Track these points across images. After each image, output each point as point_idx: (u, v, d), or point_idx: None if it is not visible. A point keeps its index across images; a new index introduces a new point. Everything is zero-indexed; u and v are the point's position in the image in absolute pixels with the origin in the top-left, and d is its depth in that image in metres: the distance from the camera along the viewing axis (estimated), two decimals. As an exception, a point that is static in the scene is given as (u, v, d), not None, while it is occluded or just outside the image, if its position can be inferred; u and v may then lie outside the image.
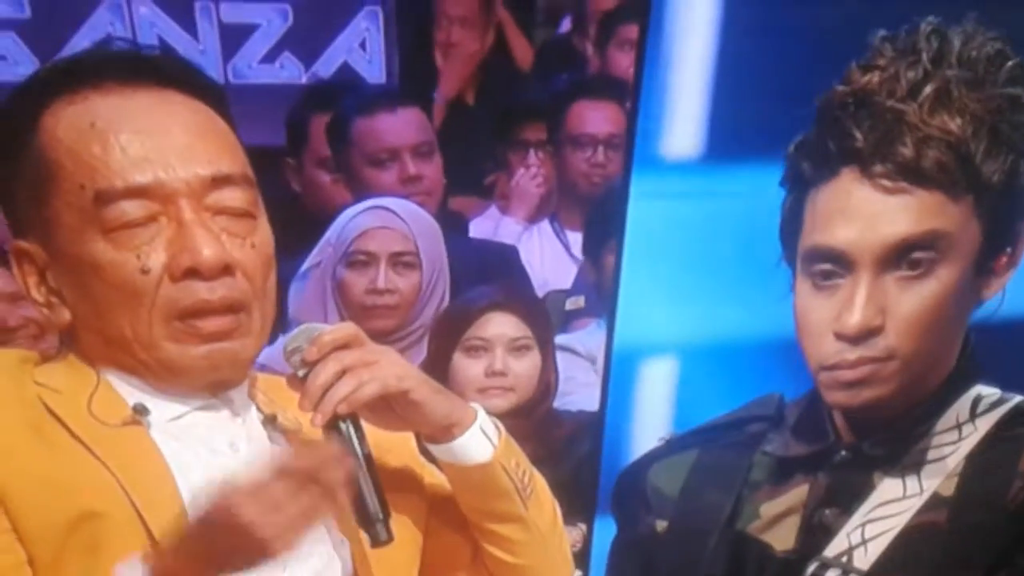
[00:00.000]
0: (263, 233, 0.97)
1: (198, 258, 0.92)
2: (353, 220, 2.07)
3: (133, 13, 3.13)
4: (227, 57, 3.23)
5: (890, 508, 0.83)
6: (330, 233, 2.12)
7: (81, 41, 3.12)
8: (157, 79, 0.98)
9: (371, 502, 0.91)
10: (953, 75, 0.81)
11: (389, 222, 2.06)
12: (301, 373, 0.94)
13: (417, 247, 2.04)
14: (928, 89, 0.81)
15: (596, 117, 2.53)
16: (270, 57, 3.24)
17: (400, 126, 2.30)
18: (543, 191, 2.68)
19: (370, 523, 0.91)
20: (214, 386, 0.94)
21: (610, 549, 0.88)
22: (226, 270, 0.93)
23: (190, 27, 3.20)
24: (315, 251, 2.13)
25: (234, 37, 3.25)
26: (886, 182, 0.82)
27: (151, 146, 0.95)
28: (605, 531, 0.88)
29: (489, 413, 1.00)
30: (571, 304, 2.25)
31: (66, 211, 0.95)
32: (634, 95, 0.84)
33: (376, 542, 0.91)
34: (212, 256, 0.92)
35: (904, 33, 0.83)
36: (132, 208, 0.94)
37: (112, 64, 0.98)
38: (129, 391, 0.95)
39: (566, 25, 3.35)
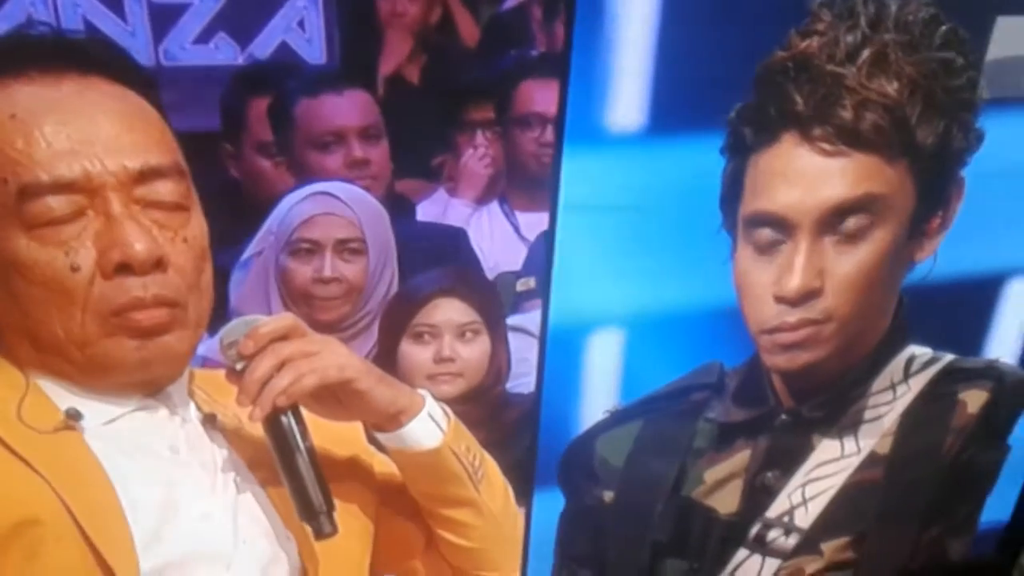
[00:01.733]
0: (196, 226, 0.97)
1: (129, 252, 0.92)
2: (296, 207, 2.09)
3: (56, -6, 3.09)
4: (158, 39, 3.21)
5: (829, 468, 0.89)
6: (271, 220, 2.13)
7: (0, 26, 3.09)
8: (81, 65, 0.96)
9: (314, 495, 0.94)
10: (890, 39, 0.86)
11: (333, 208, 2.08)
12: (239, 367, 0.96)
13: (363, 233, 2.07)
14: (866, 53, 0.86)
15: (544, 96, 2.58)
16: (204, 38, 3.22)
17: (346, 108, 2.31)
18: (491, 172, 2.72)
19: (313, 516, 0.95)
20: (149, 384, 0.96)
21: (559, 520, 0.93)
22: (158, 265, 0.93)
23: (117, 8, 3.17)
24: (256, 239, 2.15)
25: (164, 18, 3.22)
26: (825, 145, 0.86)
27: (76, 137, 0.93)
28: (545, 505, 0.92)
29: (439, 399, 1.04)
30: (522, 285, 2.30)
31: None
32: (564, 68, 0.87)
33: (320, 535, 0.95)
34: (144, 250, 0.92)
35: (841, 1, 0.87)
36: (58, 203, 0.92)
37: (32, 50, 0.96)
38: (60, 395, 0.95)
39: (511, 1, 3.38)
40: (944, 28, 0.86)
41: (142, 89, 0.99)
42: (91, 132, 0.94)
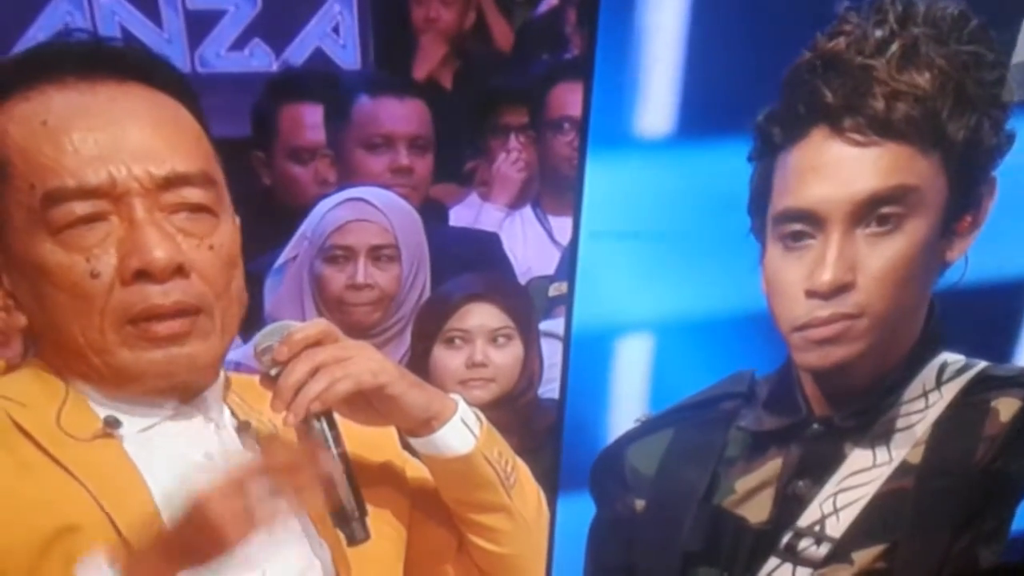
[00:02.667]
0: (224, 233, 0.97)
1: (148, 259, 0.92)
2: (330, 213, 2.11)
3: (93, 2, 3.14)
4: (193, 46, 3.26)
5: (860, 477, 0.89)
6: (305, 226, 2.16)
7: (38, 33, 3.14)
8: (119, 72, 0.97)
9: (347, 501, 0.94)
10: (920, 32, 0.86)
11: (367, 214, 2.10)
12: (273, 372, 0.97)
13: (396, 239, 2.08)
14: (895, 46, 0.86)
15: (578, 100, 2.58)
16: (239, 44, 3.26)
17: (403, 114, 2.35)
18: (525, 176, 2.73)
19: (346, 522, 0.96)
20: (181, 391, 0.97)
21: (590, 529, 0.94)
22: (179, 271, 0.93)
23: (154, 15, 3.21)
24: (290, 245, 2.17)
25: (200, 24, 3.26)
26: (857, 136, 0.86)
27: (104, 143, 0.94)
28: (571, 512, 0.92)
29: (471, 405, 1.05)
30: (554, 290, 2.31)
31: (16, 210, 0.95)
32: (588, 73, 0.88)
33: (352, 541, 0.96)
34: (163, 257, 0.93)
35: (867, 2, 0.87)
36: (82, 208, 0.93)
37: (70, 57, 0.97)
38: (99, 401, 0.96)
39: (545, 5, 3.39)
40: (973, 23, 0.86)
41: (179, 95, 0.99)
42: (119, 138, 0.95)
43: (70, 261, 0.93)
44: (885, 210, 0.86)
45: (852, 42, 0.86)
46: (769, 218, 0.89)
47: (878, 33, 0.86)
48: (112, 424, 0.95)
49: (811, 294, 0.87)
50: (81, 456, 0.93)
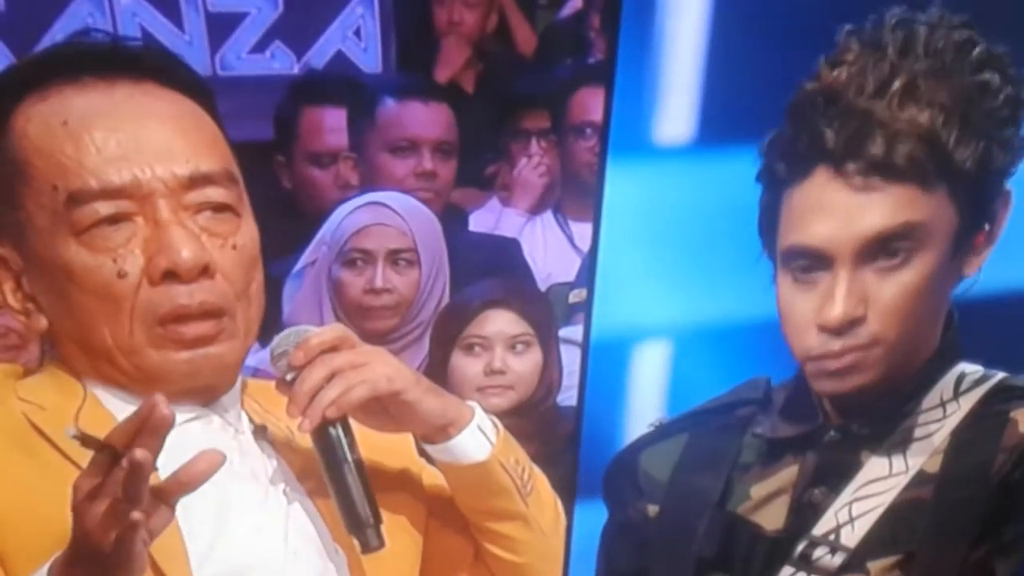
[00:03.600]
0: (246, 233, 0.98)
1: (176, 259, 0.94)
2: (349, 217, 2.14)
3: (114, 3, 3.18)
4: (215, 48, 3.30)
5: (877, 486, 0.90)
6: (324, 230, 2.19)
7: (58, 35, 3.18)
8: (136, 72, 0.98)
9: (361, 508, 0.95)
10: (920, 68, 0.87)
11: (386, 219, 2.13)
12: (289, 377, 0.99)
13: (416, 244, 2.11)
14: (896, 85, 0.87)
15: (600, 105, 2.60)
16: (260, 47, 3.30)
17: (429, 119, 2.39)
18: (546, 181, 2.75)
19: (360, 529, 0.97)
20: (202, 393, 0.98)
21: (602, 534, 0.95)
22: (205, 272, 0.95)
23: (175, 17, 3.25)
24: (309, 249, 2.20)
25: (222, 26, 3.30)
26: (858, 180, 0.87)
27: (126, 144, 0.95)
28: (587, 518, 0.93)
29: (489, 412, 1.06)
30: (574, 297, 2.32)
31: (38, 213, 0.96)
32: (609, 79, 0.90)
33: (367, 548, 0.97)
34: (190, 257, 0.94)
35: (870, 26, 0.88)
36: (106, 209, 0.94)
37: (87, 57, 0.99)
38: (117, 405, 0.97)
39: (569, 8, 3.41)
40: (978, 50, 0.87)
41: (197, 96, 1.00)
42: (141, 138, 0.95)
43: (97, 262, 0.94)
44: (894, 245, 0.88)
45: (852, 76, 0.87)
46: (777, 251, 0.91)
47: (877, 71, 0.86)
48: None
49: (823, 329, 0.88)
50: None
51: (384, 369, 0.97)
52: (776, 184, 0.90)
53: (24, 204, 0.96)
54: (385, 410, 0.99)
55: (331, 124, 2.55)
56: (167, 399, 0.96)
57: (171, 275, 0.94)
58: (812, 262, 0.89)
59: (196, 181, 0.96)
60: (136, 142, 0.96)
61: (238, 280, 0.97)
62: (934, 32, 0.87)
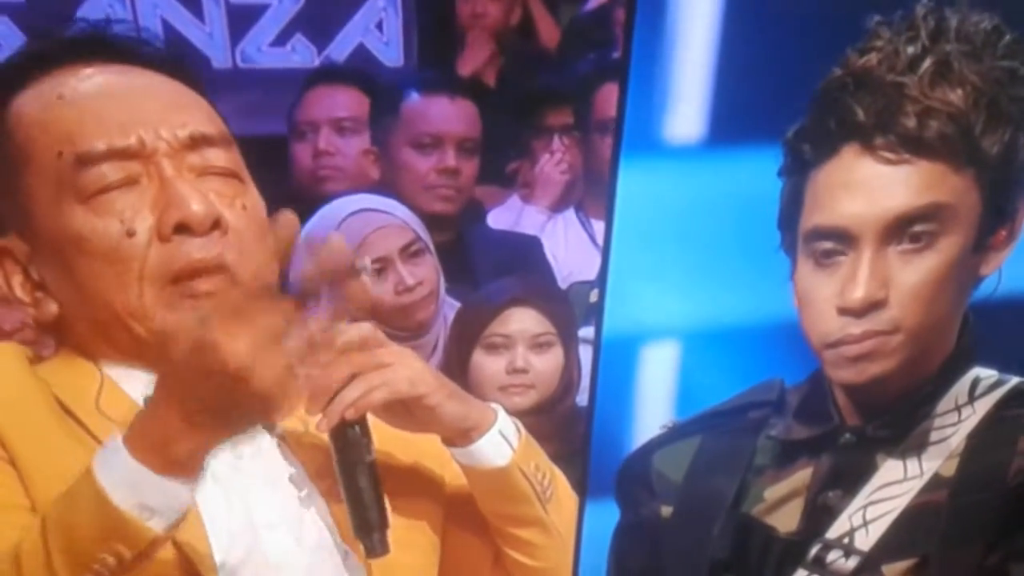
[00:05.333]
0: (253, 196, 0.99)
1: (187, 211, 0.94)
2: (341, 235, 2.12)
3: (135, -5, 3.21)
4: (235, 41, 3.33)
5: (891, 490, 0.91)
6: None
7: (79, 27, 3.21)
8: (127, 59, 1.01)
9: (371, 512, 0.96)
10: (952, 48, 0.88)
11: (379, 221, 2.14)
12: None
13: (417, 232, 2.12)
14: (928, 62, 0.88)
15: (625, 100, 2.60)
16: (281, 40, 3.33)
17: (454, 115, 2.41)
18: (568, 178, 2.76)
19: (367, 533, 0.97)
20: None
21: (614, 535, 0.96)
22: (216, 226, 0.95)
23: (195, 9, 3.29)
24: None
25: (242, 19, 3.33)
26: (888, 154, 0.88)
27: (126, 109, 0.97)
28: (598, 519, 0.95)
29: (510, 412, 1.08)
30: (595, 296, 2.33)
31: (41, 186, 0.97)
32: (623, 78, 0.91)
33: (371, 554, 0.98)
34: (201, 209, 0.94)
35: (899, 17, 0.89)
36: (112, 170, 0.95)
37: (76, 46, 1.00)
38: (134, 386, 0.98)
39: (593, 2, 3.41)
40: (1008, 38, 0.88)
41: (190, 83, 1.02)
42: (139, 104, 0.97)
43: (104, 224, 0.95)
44: (918, 227, 0.88)
45: (883, 58, 0.88)
46: (800, 235, 0.92)
47: (910, 50, 0.88)
48: None
49: (843, 311, 0.89)
50: None
51: (407, 371, 0.98)
52: (801, 167, 0.91)
53: (27, 183, 0.97)
54: (408, 411, 1.00)
55: (324, 97, 2.57)
56: None
57: (183, 228, 0.94)
58: (835, 243, 0.89)
59: (197, 141, 0.97)
60: (134, 108, 0.97)
61: (250, 241, 0.97)
62: (965, 19, 0.88)
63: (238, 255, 0.96)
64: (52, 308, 0.99)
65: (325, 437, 0.99)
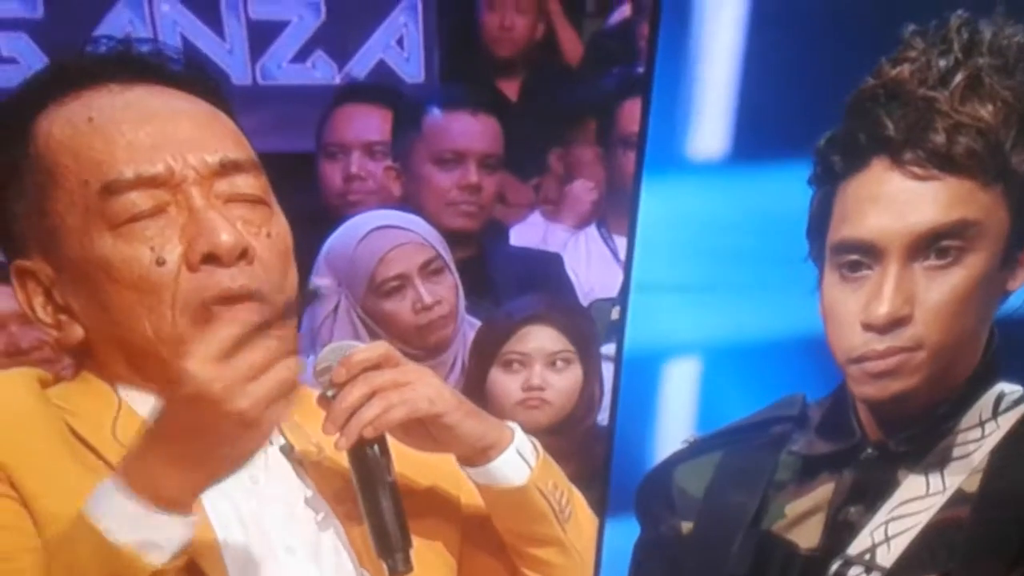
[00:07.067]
0: (279, 223, 1.01)
1: (215, 241, 0.96)
2: (357, 254, 2.15)
3: (154, 11, 3.26)
4: (255, 57, 3.36)
5: (913, 506, 0.92)
6: (331, 276, 2.17)
7: (98, 43, 3.23)
8: (154, 77, 1.02)
9: (393, 531, 0.97)
10: (984, 63, 0.89)
11: (399, 239, 2.16)
12: (330, 394, 0.99)
13: (437, 249, 2.14)
14: (959, 77, 0.89)
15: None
16: (301, 56, 3.36)
17: (476, 131, 2.43)
18: (596, 198, 2.77)
19: (389, 553, 0.98)
20: None
21: (634, 550, 0.98)
22: (244, 255, 0.97)
23: (216, 25, 3.32)
24: (321, 303, 2.19)
25: (263, 35, 3.36)
26: (917, 169, 0.90)
27: (154, 134, 0.98)
28: (619, 535, 0.96)
29: (527, 429, 1.09)
30: (617, 313, 2.34)
31: (69, 213, 0.98)
32: (646, 93, 0.93)
33: (394, 572, 0.99)
34: (230, 239, 0.96)
35: (934, 27, 0.91)
36: (141, 199, 0.96)
37: (105, 65, 1.02)
38: (150, 408, 0.97)
39: (617, 16, 3.44)
40: None
41: (216, 101, 1.03)
42: (168, 130, 0.98)
43: (134, 252, 0.97)
44: (945, 244, 0.90)
45: (915, 71, 0.90)
46: (827, 246, 0.93)
47: (942, 63, 0.89)
48: None
49: (867, 327, 0.91)
50: None
51: (425, 390, 0.99)
52: (831, 179, 0.92)
53: (55, 208, 0.99)
54: (425, 430, 1.01)
55: (354, 117, 2.60)
56: None
57: (211, 258, 0.96)
58: (862, 257, 0.91)
59: (227, 167, 0.98)
60: (163, 133, 0.98)
61: (275, 269, 0.99)
62: (999, 33, 0.89)
63: (263, 283, 0.97)
64: (77, 332, 1.00)
65: (342, 460, 1.00)
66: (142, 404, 1.00)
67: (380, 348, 1.00)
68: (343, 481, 1.01)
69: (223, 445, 0.87)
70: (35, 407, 0.99)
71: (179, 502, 0.88)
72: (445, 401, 1.00)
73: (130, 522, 0.87)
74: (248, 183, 1.00)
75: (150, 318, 0.97)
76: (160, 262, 0.97)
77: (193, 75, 1.04)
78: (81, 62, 1.04)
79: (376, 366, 0.99)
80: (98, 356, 1.01)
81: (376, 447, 0.98)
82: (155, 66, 1.03)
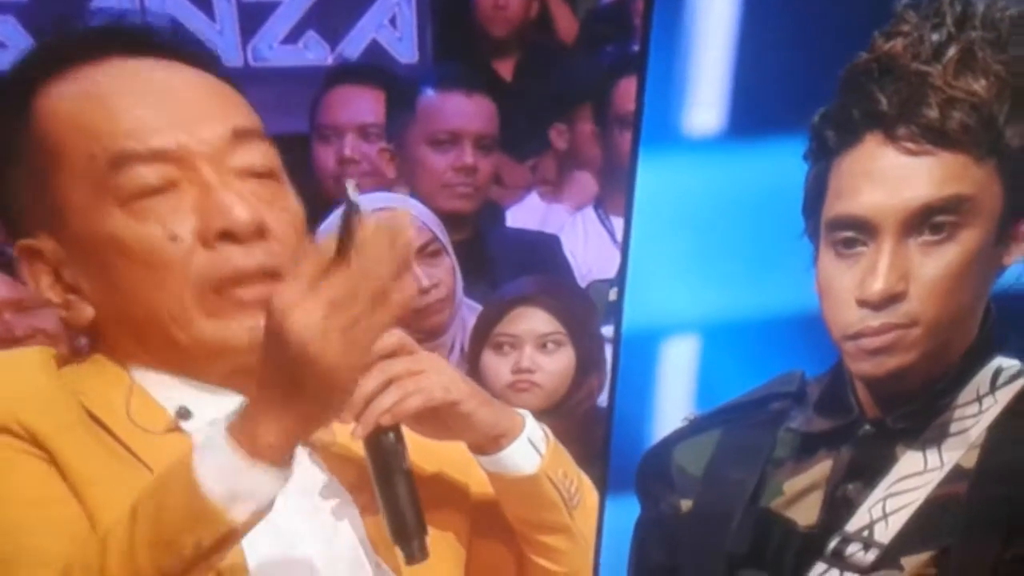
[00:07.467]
0: (292, 198, 1.00)
1: (231, 217, 0.94)
2: None
3: (145, -8, 3.24)
4: (246, 38, 3.35)
5: (911, 482, 0.93)
6: None
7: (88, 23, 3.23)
8: (158, 51, 1.00)
9: (409, 518, 0.98)
10: (977, 36, 0.90)
11: None
12: None
13: (434, 232, 2.14)
14: (952, 51, 0.90)
15: (644, 94, 2.61)
16: (293, 37, 3.35)
17: (471, 111, 2.42)
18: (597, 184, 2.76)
19: (406, 539, 0.98)
20: (253, 376, 0.96)
21: (634, 529, 0.99)
22: (259, 232, 0.96)
23: (205, 5, 3.31)
24: None
25: (253, 16, 3.35)
26: (910, 144, 0.90)
27: (162, 106, 0.96)
28: (618, 514, 0.97)
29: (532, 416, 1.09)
30: (614, 294, 2.34)
31: (76, 190, 0.96)
32: (641, 70, 0.93)
33: (411, 559, 0.99)
34: (245, 215, 0.95)
35: (927, 1, 0.91)
36: (150, 173, 0.95)
37: (102, 38, 1.00)
38: (165, 394, 0.99)
39: (613, -7, 3.42)
40: None
41: (217, 72, 1.02)
42: (175, 101, 0.97)
43: (145, 229, 0.95)
44: (939, 219, 0.90)
45: (908, 44, 0.90)
46: (822, 222, 0.93)
47: (935, 37, 0.89)
48: (183, 415, 0.98)
49: (862, 303, 0.91)
50: (154, 449, 0.96)
51: (441, 378, 0.99)
52: (825, 155, 0.92)
53: (60, 186, 0.97)
54: (437, 418, 1.01)
55: (346, 99, 2.59)
56: (219, 380, 0.97)
57: (227, 235, 0.95)
58: (856, 233, 0.91)
59: (238, 136, 0.97)
60: (171, 104, 0.97)
61: (290, 244, 0.97)
62: (992, 4, 0.90)
63: (280, 259, 0.96)
64: (87, 311, 0.99)
65: (356, 449, 1.00)
66: (154, 384, 0.99)
67: (395, 336, 0.99)
68: (357, 471, 1.01)
69: (316, 396, 0.87)
70: (54, 384, 0.98)
71: (274, 453, 0.87)
72: (460, 389, 1.01)
73: (224, 472, 0.87)
74: (260, 152, 0.98)
75: (161, 295, 0.96)
76: (172, 238, 0.95)
77: (192, 49, 1.03)
78: (79, 36, 1.02)
79: (392, 354, 0.98)
80: (108, 336, 1.00)
81: (392, 435, 0.98)
82: (153, 39, 1.01)
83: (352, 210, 0.89)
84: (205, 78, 1.01)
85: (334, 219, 2.37)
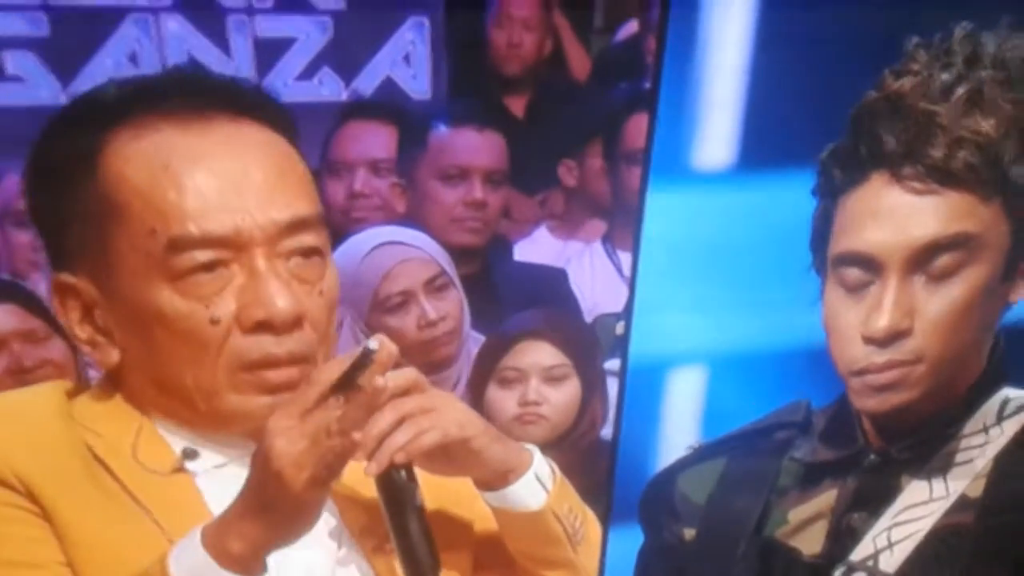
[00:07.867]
0: (331, 276, 1.02)
1: (272, 311, 0.97)
2: (361, 270, 2.15)
3: (161, 28, 3.26)
4: (262, 74, 3.36)
5: (917, 511, 0.93)
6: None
7: (104, 60, 3.26)
8: (230, 107, 1.02)
9: (423, 556, 0.98)
10: (987, 76, 0.91)
11: (404, 254, 2.16)
12: None
13: (443, 266, 2.14)
14: (961, 90, 0.91)
15: (654, 132, 2.63)
16: (308, 73, 3.36)
17: (482, 147, 2.43)
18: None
19: None
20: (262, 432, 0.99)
21: (637, 557, 0.99)
22: (296, 323, 0.98)
23: (222, 42, 3.32)
24: None
25: (269, 52, 3.36)
26: (916, 184, 0.91)
27: (227, 190, 0.98)
28: (622, 542, 0.98)
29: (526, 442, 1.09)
30: (622, 328, 2.35)
31: (132, 254, 0.98)
32: (653, 104, 0.95)
33: None
34: (286, 308, 0.97)
35: (939, 39, 0.92)
36: (205, 256, 0.98)
37: (181, 90, 1.01)
38: (175, 439, 1.01)
39: (624, 32, 3.45)
40: None
41: (285, 130, 1.03)
42: (242, 183, 0.98)
43: (189, 308, 0.98)
44: (944, 257, 0.91)
45: (918, 84, 0.91)
46: (828, 259, 0.94)
47: (944, 76, 0.90)
48: (190, 455, 1.01)
49: (868, 339, 0.92)
50: (156, 490, 0.98)
51: (455, 415, 1.00)
52: (832, 192, 0.94)
53: (116, 243, 0.99)
54: (447, 455, 1.01)
55: (359, 134, 2.61)
56: (229, 439, 1.00)
57: (265, 325, 0.98)
58: (862, 270, 0.92)
59: (294, 226, 0.99)
60: (237, 188, 0.98)
61: (322, 325, 1.00)
62: (1002, 44, 0.91)
63: (312, 347, 0.99)
64: (113, 356, 1.01)
65: (367, 493, 1.01)
66: (165, 430, 1.01)
67: (408, 374, 1.00)
68: (368, 514, 1.02)
69: (285, 518, 0.91)
70: (59, 427, 1.00)
71: (244, 564, 0.91)
72: (474, 426, 1.01)
73: (196, 573, 0.90)
74: (310, 239, 1.01)
75: (192, 368, 0.99)
76: (214, 321, 0.98)
77: (263, 101, 1.04)
78: (156, 85, 1.03)
79: (404, 392, 0.99)
80: (129, 380, 1.02)
81: (404, 472, 0.99)
82: (234, 96, 1.03)
83: (366, 358, 0.93)
84: (275, 150, 1.02)
85: (339, 254, 2.36)
